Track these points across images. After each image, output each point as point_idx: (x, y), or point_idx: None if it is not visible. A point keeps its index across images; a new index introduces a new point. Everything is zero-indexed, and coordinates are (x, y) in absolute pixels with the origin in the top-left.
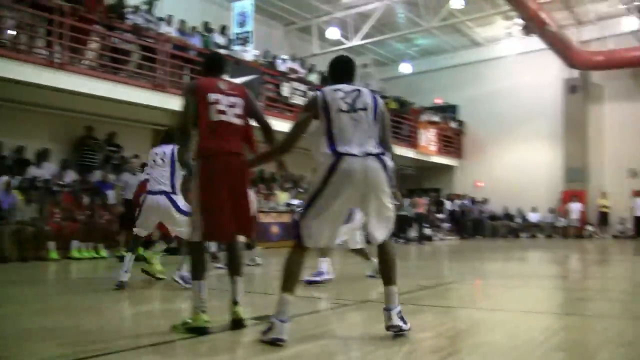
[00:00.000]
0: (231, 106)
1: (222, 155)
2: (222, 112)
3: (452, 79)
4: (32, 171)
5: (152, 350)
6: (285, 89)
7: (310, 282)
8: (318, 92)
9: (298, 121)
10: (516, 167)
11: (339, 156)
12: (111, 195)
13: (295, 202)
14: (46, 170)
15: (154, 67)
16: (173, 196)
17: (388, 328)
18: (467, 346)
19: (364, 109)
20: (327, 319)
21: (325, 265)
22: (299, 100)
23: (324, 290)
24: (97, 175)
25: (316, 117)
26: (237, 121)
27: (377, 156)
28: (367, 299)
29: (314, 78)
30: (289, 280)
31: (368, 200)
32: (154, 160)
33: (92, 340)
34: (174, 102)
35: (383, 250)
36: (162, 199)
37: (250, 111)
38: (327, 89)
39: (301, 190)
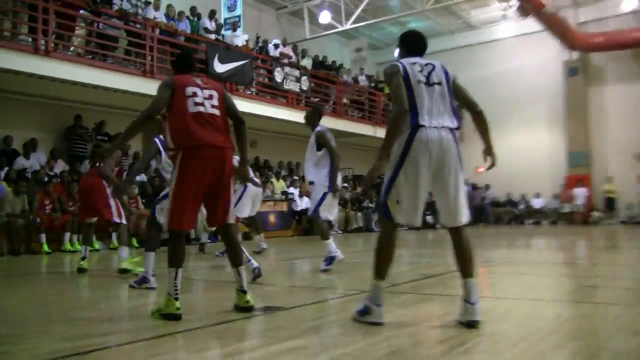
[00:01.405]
0: (207, 98)
1: (201, 149)
2: (200, 104)
3: (448, 63)
4: (20, 162)
5: (147, 345)
6: (278, 75)
7: (324, 270)
8: (398, 63)
9: (395, 86)
10: (518, 152)
11: (417, 128)
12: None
13: (292, 190)
14: (35, 161)
15: (142, 53)
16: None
17: (467, 322)
18: (474, 336)
19: (439, 83)
20: (330, 309)
21: (332, 246)
22: (292, 86)
23: (326, 280)
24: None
25: None
26: (216, 112)
27: (452, 131)
28: (368, 288)
29: (306, 63)
30: (382, 266)
31: (442, 177)
32: None
33: (91, 334)
34: None
35: (458, 238)
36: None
37: (225, 104)
38: (405, 61)
39: (296, 178)
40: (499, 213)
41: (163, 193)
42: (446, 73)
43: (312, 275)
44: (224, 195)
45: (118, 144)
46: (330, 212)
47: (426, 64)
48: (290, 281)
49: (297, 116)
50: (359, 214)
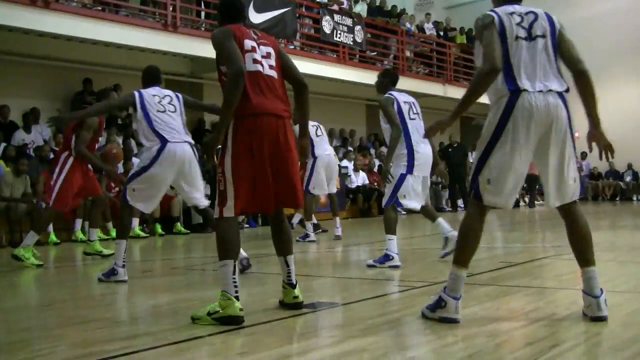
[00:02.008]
0: (265, 56)
1: (259, 117)
2: (259, 62)
3: (535, 4)
4: (20, 136)
5: (177, 350)
6: (326, 25)
7: (370, 266)
8: (493, 14)
9: (487, 41)
10: (622, 112)
11: (518, 92)
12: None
13: (346, 164)
14: (37, 135)
15: (161, 2)
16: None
17: (594, 319)
18: (571, 337)
19: (543, 36)
20: (392, 304)
21: (394, 245)
22: (344, 38)
23: (386, 271)
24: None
25: None
26: (274, 74)
27: (561, 95)
28: (438, 280)
29: (360, 9)
30: (464, 251)
31: (548, 150)
32: (160, 104)
33: (109, 338)
34: (188, 45)
35: (573, 219)
36: (188, 150)
37: (282, 64)
38: (501, 10)
39: (351, 149)
40: (599, 187)
41: (133, 171)
42: (551, 23)
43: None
44: (291, 172)
45: (221, 127)
46: (415, 197)
47: (527, 13)
48: (344, 272)
49: (349, 74)
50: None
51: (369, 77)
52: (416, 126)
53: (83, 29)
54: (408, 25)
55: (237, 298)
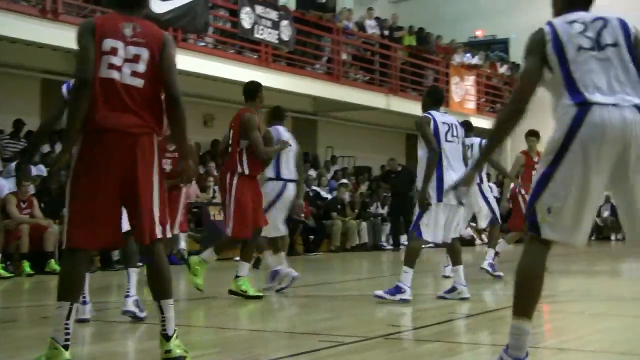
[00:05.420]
0: (130, 60)
1: (102, 135)
2: (116, 68)
3: (500, 0)
4: None
5: None
6: (246, 18)
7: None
8: (546, 26)
9: (523, 72)
10: None
11: (587, 106)
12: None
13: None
14: None
15: None
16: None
17: None
18: None
19: (614, 45)
20: None
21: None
22: (267, 35)
23: (313, 322)
24: None
25: (545, 62)
26: (137, 82)
27: None
28: (373, 335)
29: (287, 0)
30: (524, 299)
31: (627, 175)
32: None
33: None
34: (72, 37)
35: None
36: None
37: (158, 70)
38: (559, 20)
39: None
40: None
41: None
42: (625, 29)
43: (295, 315)
44: (141, 201)
45: (65, 145)
46: (436, 229)
47: (594, 20)
48: (260, 324)
49: (273, 79)
50: (364, 224)
51: (297, 84)
52: (451, 150)
53: None
54: (346, 22)
55: (66, 347)
